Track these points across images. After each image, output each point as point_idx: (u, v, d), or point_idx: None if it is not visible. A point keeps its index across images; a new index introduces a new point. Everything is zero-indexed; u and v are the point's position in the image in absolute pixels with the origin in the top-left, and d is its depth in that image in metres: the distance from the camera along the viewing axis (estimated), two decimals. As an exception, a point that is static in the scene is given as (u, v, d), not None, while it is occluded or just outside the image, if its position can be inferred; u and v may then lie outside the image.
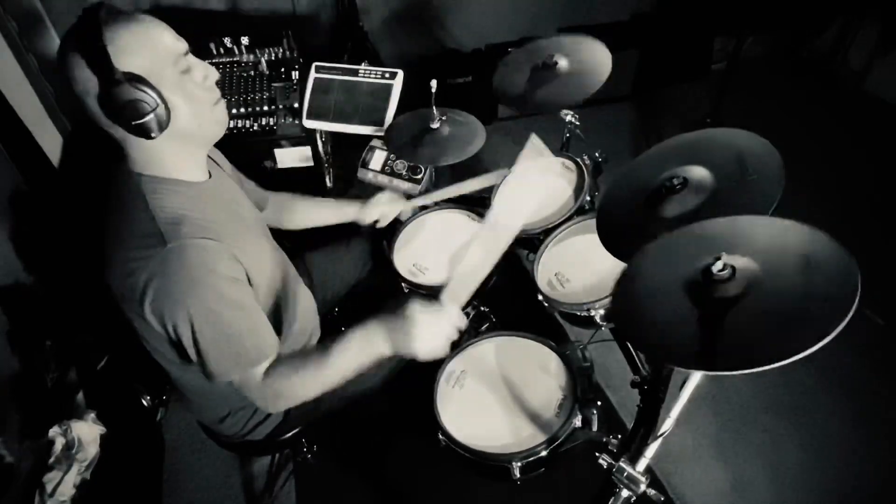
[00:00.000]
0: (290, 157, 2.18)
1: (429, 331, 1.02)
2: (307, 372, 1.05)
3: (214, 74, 1.04)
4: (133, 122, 0.93)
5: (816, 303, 0.77)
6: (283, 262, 1.33)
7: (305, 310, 1.39)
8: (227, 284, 0.99)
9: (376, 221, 1.57)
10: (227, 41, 2.14)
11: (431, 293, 1.49)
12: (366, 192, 2.28)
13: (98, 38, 0.89)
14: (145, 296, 0.94)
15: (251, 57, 2.16)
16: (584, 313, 1.36)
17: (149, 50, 0.94)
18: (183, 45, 0.99)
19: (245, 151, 2.19)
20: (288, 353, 1.08)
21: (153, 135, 0.95)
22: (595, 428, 1.22)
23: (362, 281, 1.66)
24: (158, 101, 0.94)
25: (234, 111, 2.07)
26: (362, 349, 1.05)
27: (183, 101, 0.98)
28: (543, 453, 1.17)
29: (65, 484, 1.49)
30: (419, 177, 1.89)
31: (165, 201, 0.99)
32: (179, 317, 0.95)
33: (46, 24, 2.31)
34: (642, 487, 0.97)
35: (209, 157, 1.18)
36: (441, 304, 1.05)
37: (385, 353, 1.05)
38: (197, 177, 1.08)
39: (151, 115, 0.93)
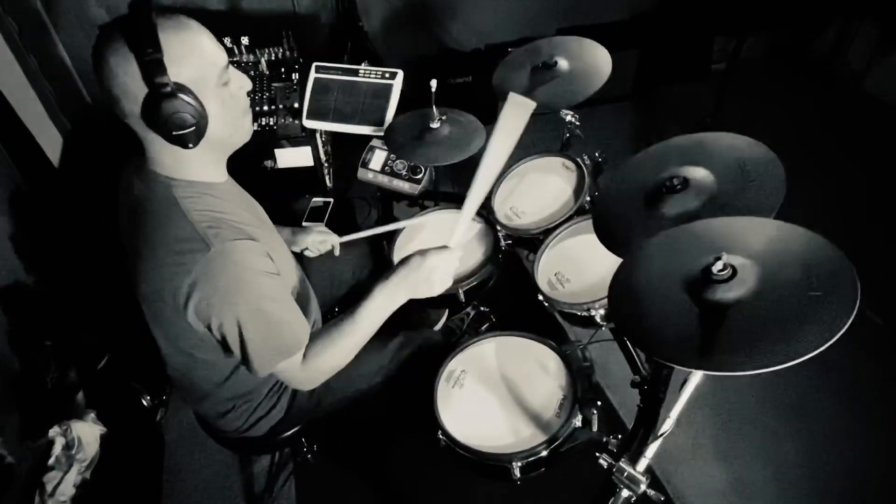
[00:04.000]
0: (290, 157, 2.18)
1: (443, 272, 1.15)
2: (341, 341, 1.12)
3: (248, 85, 1.05)
4: (174, 133, 0.93)
5: (817, 305, 0.77)
6: (295, 261, 1.34)
7: (314, 308, 1.40)
8: (268, 280, 1.02)
9: (304, 249, 1.53)
10: (227, 41, 2.14)
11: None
12: (366, 192, 2.30)
13: (156, 46, 0.88)
14: (190, 299, 0.96)
15: (251, 57, 2.16)
16: (584, 313, 1.36)
17: (198, 60, 0.93)
18: (224, 57, 0.99)
19: (245, 151, 2.19)
20: (316, 330, 1.14)
21: (191, 145, 0.96)
22: (595, 428, 1.22)
23: (362, 282, 1.66)
24: (202, 113, 0.94)
25: (234, 111, 2.07)
26: (386, 304, 1.14)
27: (218, 111, 0.98)
28: (543, 453, 1.17)
29: (65, 484, 1.49)
30: (419, 177, 1.89)
31: (199, 205, 1.00)
32: (227, 318, 0.98)
33: (47, 25, 2.31)
34: (642, 487, 0.97)
35: None
36: (446, 247, 1.16)
37: (404, 300, 1.16)
38: (219, 178, 1.10)
39: (193, 128, 0.94)
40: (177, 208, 0.98)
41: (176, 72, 0.90)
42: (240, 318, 0.99)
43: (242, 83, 1.04)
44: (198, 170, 1.04)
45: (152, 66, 0.88)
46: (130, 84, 0.90)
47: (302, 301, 1.26)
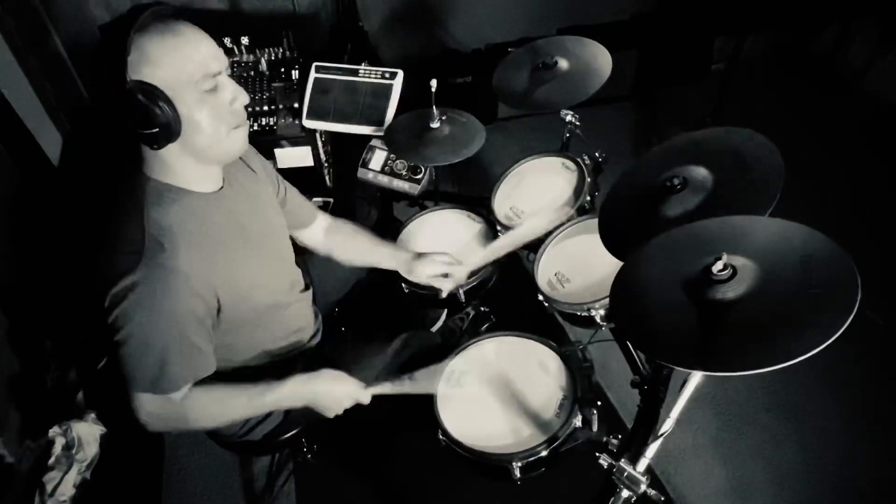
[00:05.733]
0: (290, 157, 2.17)
1: (334, 391, 1.19)
2: (227, 394, 1.12)
3: (244, 98, 1.03)
4: (138, 131, 0.93)
5: (817, 304, 0.77)
6: (284, 273, 1.31)
7: (297, 315, 1.36)
8: (177, 320, 0.99)
9: (430, 289, 1.46)
10: (227, 41, 2.14)
11: (432, 293, 1.50)
12: (366, 192, 2.29)
13: (121, 44, 0.88)
14: (107, 300, 0.97)
15: (251, 57, 2.16)
16: (584, 313, 1.36)
17: (176, 63, 0.92)
18: (217, 64, 0.98)
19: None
20: (212, 381, 1.10)
21: (155, 146, 0.95)
22: (595, 428, 1.22)
23: (362, 281, 1.66)
24: (170, 114, 0.93)
25: (234, 111, 2.07)
26: (289, 396, 1.15)
27: (201, 119, 0.97)
28: (543, 453, 1.17)
29: (65, 484, 1.49)
30: (419, 177, 1.89)
31: (162, 212, 0.98)
32: (123, 327, 0.97)
33: (46, 25, 2.31)
34: (642, 487, 0.97)
35: (242, 160, 1.18)
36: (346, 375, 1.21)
37: (301, 404, 1.18)
38: (207, 188, 1.07)
39: (157, 129, 0.93)
40: (138, 211, 0.97)
41: (147, 72, 0.90)
42: (129, 335, 0.97)
43: (236, 95, 1.01)
44: (182, 176, 1.02)
45: (110, 63, 0.89)
46: (104, 80, 0.92)
47: (270, 317, 1.23)
